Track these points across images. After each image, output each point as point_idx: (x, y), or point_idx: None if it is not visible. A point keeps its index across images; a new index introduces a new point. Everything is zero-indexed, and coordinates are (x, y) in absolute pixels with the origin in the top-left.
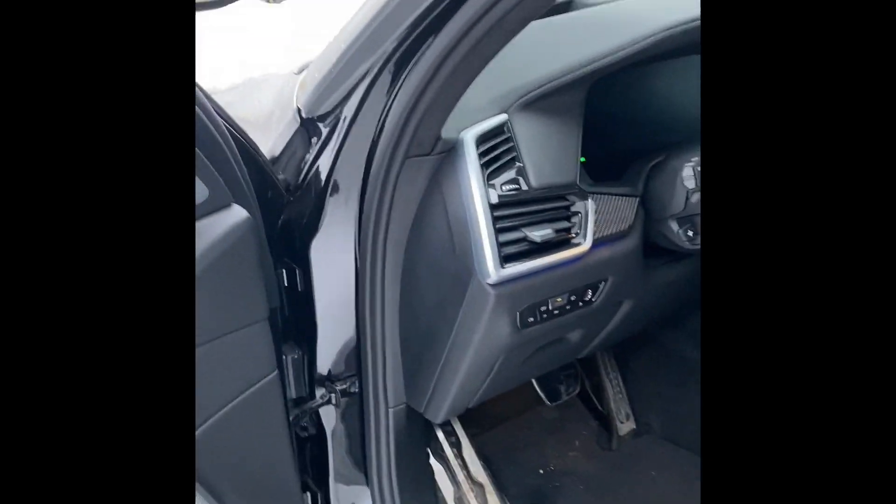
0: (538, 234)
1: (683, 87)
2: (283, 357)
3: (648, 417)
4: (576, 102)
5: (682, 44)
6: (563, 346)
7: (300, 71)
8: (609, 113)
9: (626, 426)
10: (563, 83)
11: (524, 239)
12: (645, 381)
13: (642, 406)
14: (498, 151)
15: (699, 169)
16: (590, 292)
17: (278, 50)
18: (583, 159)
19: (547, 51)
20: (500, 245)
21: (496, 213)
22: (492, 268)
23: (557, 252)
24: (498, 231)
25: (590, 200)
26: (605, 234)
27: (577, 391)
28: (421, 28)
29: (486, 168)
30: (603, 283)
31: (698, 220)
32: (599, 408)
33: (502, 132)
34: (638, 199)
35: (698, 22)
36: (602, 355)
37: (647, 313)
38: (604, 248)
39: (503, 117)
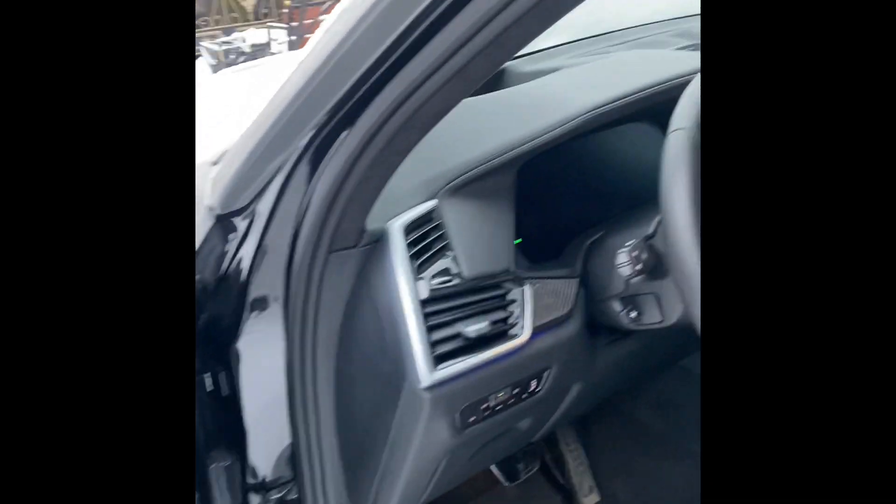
0: (473, 329)
1: (621, 153)
2: (210, 466)
3: (613, 489)
4: (506, 184)
5: (615, 118)
6: (513, 435)
7: (216, 161)
8: (545, 184)
9: (590, 499)
10: (492, 167)
11: (458, 335)
12: (607, 451)
13: (606, 477)
14: (428, 241)
15: (636, 254)
16: (534, 383)
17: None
18: (518, 240)
19: (476, 132)
20: (433, 344)
21: (427, 310)
22: (424, 371)
23: (495, 346)
24: (430, 329)
25: (527, 287)
26: (545, 320)
27: (536, 467)
28: (335, 121)
29: (416, 259)
30: (547, 371)
31: (641, 299)
32: (562, 481)
33: (431, 220)
34: (577, 280)
35: (631, 98)
36: (560, 428)
37: (599, 392)
38: (545, 335)
39: (432, 203)
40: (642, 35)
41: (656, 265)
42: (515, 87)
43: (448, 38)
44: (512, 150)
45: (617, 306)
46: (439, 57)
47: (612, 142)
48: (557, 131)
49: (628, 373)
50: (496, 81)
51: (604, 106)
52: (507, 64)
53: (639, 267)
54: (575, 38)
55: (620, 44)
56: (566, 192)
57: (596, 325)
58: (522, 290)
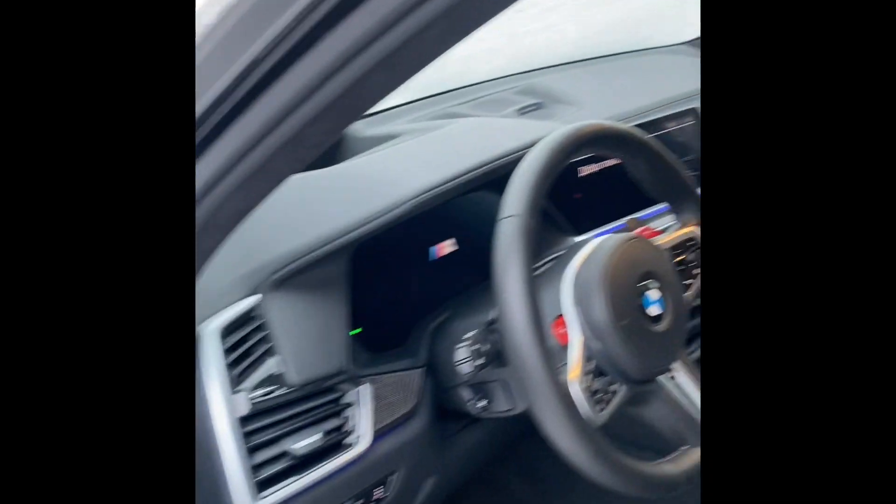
0: (302, 445)
1: (465, 222)
2: None
3: None
4: (338, 273)
5: (451, 196)
6: None
7: None
8: (386, 262)
9: None
10: (320, 255)
11: (286, 454)
12: None
13: None
14: (248, 344)
15: (476, 347)
16: (379, 490)
17: None
18: (357, 330)
19: (303, 216)
20: (255, 468)
21: (248, 427)
22: (245, 502)
23: (330, 460)
24: (251, 450)
25: (365, 386)
26: (387, 421)
27: None
28: None
29: (234, 367)
30: (393, 475)
31: (490, 387)
32: None
33: (253, 319)
34: (422, 370)
35: (464, 178)
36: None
37: (457, 480)
38: (388, 437)
39: (253, 300)
40: (486, 93)
41: (500, 352)
42: (348, 162)
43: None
44: (341, 237)
45: (466, 394)
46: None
47: (455, 211)
48: (390, 215)
49: (489, 453)
50: (334, 147)
51: (437, 188)
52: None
53: (480, 362)
54: (419, 97)
55: (465, 102)
56: (410, 269)
57: (446, 412)
58: (360, 391)
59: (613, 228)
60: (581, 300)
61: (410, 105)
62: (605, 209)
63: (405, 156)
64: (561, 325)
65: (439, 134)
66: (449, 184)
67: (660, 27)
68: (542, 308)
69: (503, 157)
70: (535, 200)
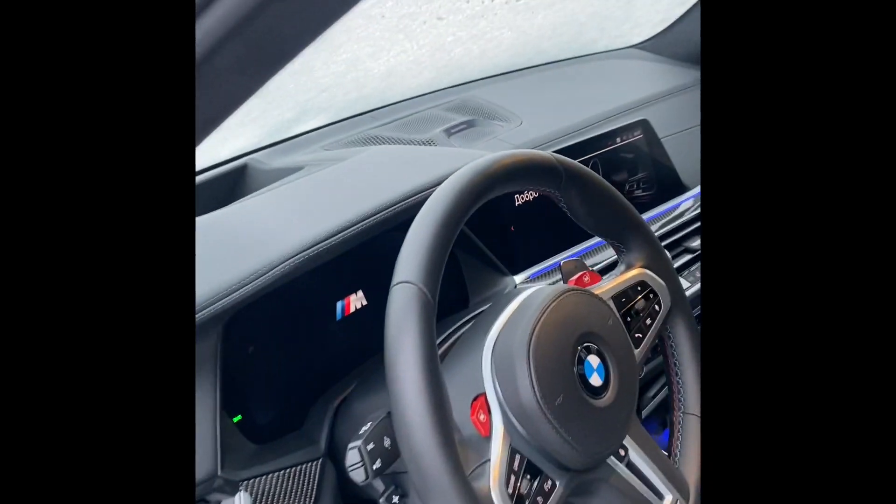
0: None
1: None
2: None
3: None
4: (203, 355)
5: (343, 250)
6: None
7: None
8: (275, 327)
9: None
10: None
11: None
12: None
13: None
14: None
15: (371, 447)
16: None
17: None
18: (237, 418)
19: None
20: None
21: None
22: None
23: None
24: None
25: (242, 494)
26: None
27: None
28: None
29: None
30: None
31: (404, 477)
32: None
33: None
34: (321, 461)
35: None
36: None
37: None
38: None
39: None
40: (414, 110)
41: None
42: (220, 211)
43: None
44: (202, 311)
45: (378, 485)
46: None
47: (366, 258)
48: (256, 283)
49: None
50: (238, 178)
51: (315, 246)
52: (250, 159)
53: (377, 465)
54: (336, 119)
55: (388, 122)
56: (311, 331)
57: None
58: (237, 499)
59: (554, 265)
60: (502, 376)
61: (329, 128)
62: (546, 241)
63: (287, 201)
64: (481, 409)
65: (336, 171)
66: (331, 239)
67: (606, 30)
68: (457, 388)
69: (401, 202)
70: (432, 262)
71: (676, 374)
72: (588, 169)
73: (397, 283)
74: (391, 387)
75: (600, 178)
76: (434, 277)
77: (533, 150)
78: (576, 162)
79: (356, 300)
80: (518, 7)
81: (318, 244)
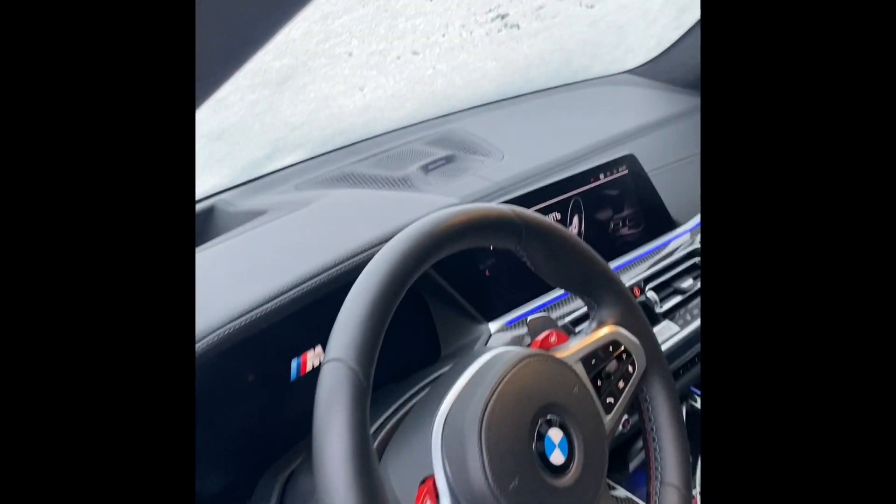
0: None
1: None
2: None
3: None
4: None
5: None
6: None
7: None
8: (216, 394)
9: None
10: None
11: None
12: None
13: None
14: None
15: None
16: None
17: None
18: None
19: None
20: None
21: None
22: None
23: None
24: None
25: None
26: None
27: None
28: None
29: None
30: None
31: None
32: None
33: None
34: None
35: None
36: None
37: None
38: None
39: None
40: (393, 144)
41: None
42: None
43: None
44: None
45: None
46: None
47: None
48: (201, 344)
49: None
50: (205, 220)
51: (248, 314)
52: (219, 200)
53: None
54: (314, 155)
55: (366, 158)
56: (262, 394)
57: None
58: None
59: (532, 310)
60: (452, 456)
61: (306, 164)
62: (524, 284)
63: (237, 255)
64: (428, 495)
65: (292, 221)
66: (267, 305)
67: (598, 56)
68: (403, 469)
69: (346, 261)
70: (366, 338)
71: (654, 441)
72: (550, 221)
73: (328, 362)
74: (317, 476)
75: (564, 230)
76: (368, 354)
77: (489, 205)
78: (537, 214)
79: (313, 357)
80: (500, 38)
81: (249, 312)
